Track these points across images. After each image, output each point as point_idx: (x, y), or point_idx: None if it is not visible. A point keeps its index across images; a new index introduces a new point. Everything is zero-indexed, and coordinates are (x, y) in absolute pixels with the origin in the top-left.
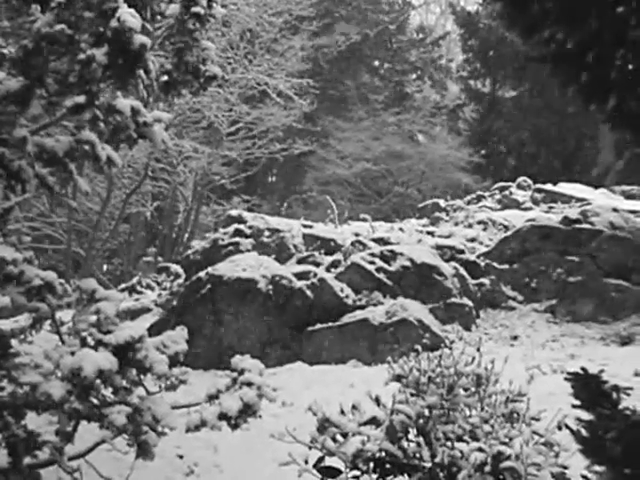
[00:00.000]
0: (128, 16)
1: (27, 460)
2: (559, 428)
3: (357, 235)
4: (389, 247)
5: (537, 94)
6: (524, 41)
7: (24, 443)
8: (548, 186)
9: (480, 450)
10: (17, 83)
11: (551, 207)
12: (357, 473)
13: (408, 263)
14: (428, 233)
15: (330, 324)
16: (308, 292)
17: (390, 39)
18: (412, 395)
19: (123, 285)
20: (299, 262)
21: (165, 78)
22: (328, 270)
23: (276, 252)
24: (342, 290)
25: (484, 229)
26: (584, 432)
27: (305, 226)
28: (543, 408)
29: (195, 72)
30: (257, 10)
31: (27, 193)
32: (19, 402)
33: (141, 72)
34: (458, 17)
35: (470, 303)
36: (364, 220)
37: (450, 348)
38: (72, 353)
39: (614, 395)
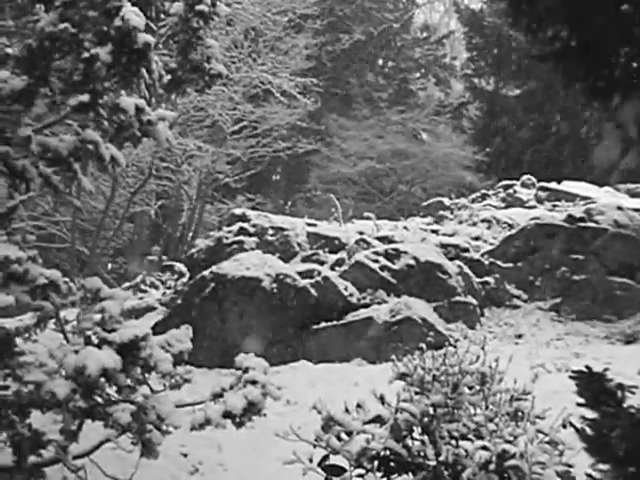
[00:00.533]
0: (132, 15)
1: (32, 459)
2: (564, 426)
3: (361, 234)
4: (393, 245)
5: (541, 92)
6: (528, 39)
7: (29, 442)
8: (552, 184)
9: (485, 448)
10: (21, 82)
11: (555, 205)
12: (362, 471)
13: (412, 262)
14: (432, 231)
15: (334, 322)
16: (312, 290)
17: (394, 37)
18: (416, 393)
19: (127, 284)
20: (303, 260)
21: (169, 77)
22: (332, 268)
23: (280, 251)
24: (346, 288)
25: (488, 227)
26: (589, 430)
27: (309, 224)
28: (548, 406)
29: (199, 70)
30: (261, 9)
31: (31, 192)
32: (24, 401)
33: (143, 71)
34: (462, 15)
35: (474, 301)
36: (368, 218)
37: (454, 346)
38: (76, 352)
39: (619, 393)
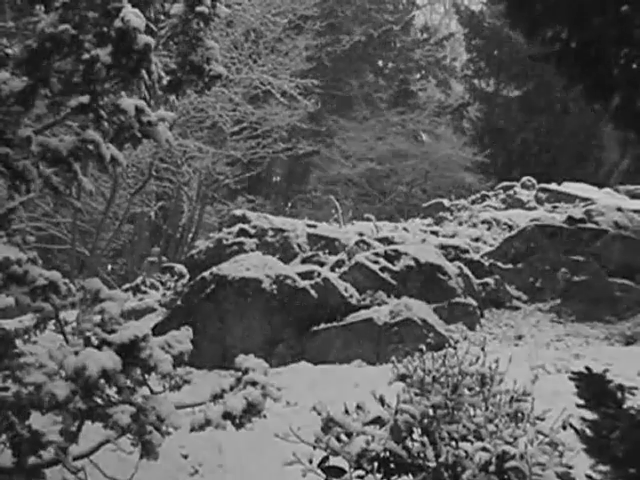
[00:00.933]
0: (132, 16)
1: (32, 460)
2: (564, 428)
3: (361, 235)
4: (393, 247)
5: (541, 93)
6: (528, 40)
7: (29, 443)
8: (552, 185)
9: (484, 450)
10: (21, 83)
11: (555, 207)
12: (361, 473)
13: (412, 263)
14: (432, 233)
15: (334, 324)
16: (312, 292)
17: (394, 39)
18: (416, 395)
19: (127, 285)
20: (303, 262)
21: (169, 78)
22: (332, 270)
23: (280, 252)
24: (346, 290)
25: (488, 229)
26: (588, 432)
27: (309, 226)
28: (548, 408)
29: (199, 72)
30: (261, 10)
31: (31, 193)
32: (23, 402)
33: (143, 72)
34: (462, 17)
35: (474, 303)
36: (368, 220)
37: (454, 348)
38: (76, 353)
39: (618, 394)
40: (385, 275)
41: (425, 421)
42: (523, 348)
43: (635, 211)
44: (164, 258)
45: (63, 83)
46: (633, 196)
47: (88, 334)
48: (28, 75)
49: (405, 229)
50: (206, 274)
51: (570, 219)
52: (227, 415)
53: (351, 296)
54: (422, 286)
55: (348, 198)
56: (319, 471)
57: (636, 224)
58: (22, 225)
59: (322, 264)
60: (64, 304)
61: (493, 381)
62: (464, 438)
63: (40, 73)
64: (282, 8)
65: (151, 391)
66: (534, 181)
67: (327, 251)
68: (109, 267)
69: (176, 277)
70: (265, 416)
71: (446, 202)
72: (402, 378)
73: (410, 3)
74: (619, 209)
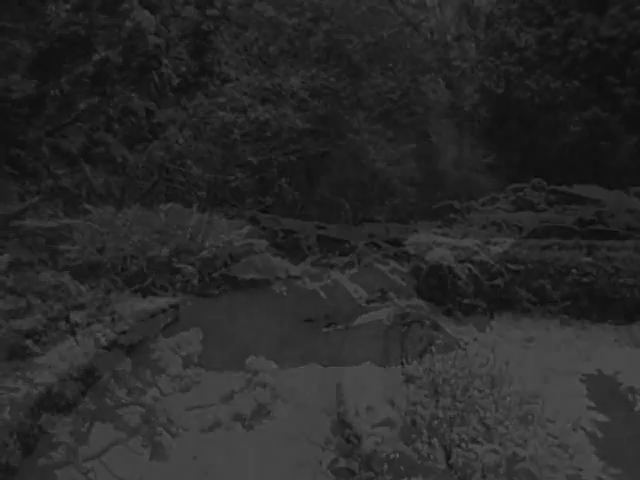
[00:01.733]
0: (143, 18)
1: (42, 461)
2: (574, 430)
3: (371, 236)
4: (403, 248)
5: (552, 95)
6: (539, 41)
7: (39, 444)
8: (563, 187)
9: (494, 452)
10: (32, 85)
11: (565, 208)
12: (371, 474)
13: (422, 264)
14: (442, 234)
15: (344, 325)
16: (322, 293)
17: (405, 40)
18: (426, 396)
19: (137, 286)
20: (313, 264)
21: (179, 80)
22: (342, 271)
23: (290, 254)
24: (356, 291)
25: (498, 230)
26: (599, 434)
27: (319, 227)
28: (558, 410)
29: (210, 74)
30: (272, 11)
31: (42, 194)
32: (34, 403)
33: (154, 74)
34: (472, 18)
35: (484, 304)
36: (379, 221)
37: (464, 349)
38: (86, 354)
39: (629, 397)
40: (395, 276)
41: (435, 423)
42: (533, 350)
43: None
44: (174, 259)
45: (73, 84)
46: None
47: (98, 335)
48: (39, 77)
49: (415, 230)
50: (216, 275)
51: (581, 221)
52: (237, 416)
53: (360, 297)
54: (432, 287)
55: (358, 199)
56: (329, 473)
57: None
58: (33, 226)
59: (332, 266)
60: (75, 305)
61: (503, 383)
62: (474, 440)
63: (51, 74)
64: (294, 9)
65: (161, 392)
66: (544, 183)
67: (337, 253)
68: (119, 268)
69: (186, 278)
70: (275, 418)
71: (456, 204)
72: (412, 380)
73: (421, 4)
74: (630, 211)
